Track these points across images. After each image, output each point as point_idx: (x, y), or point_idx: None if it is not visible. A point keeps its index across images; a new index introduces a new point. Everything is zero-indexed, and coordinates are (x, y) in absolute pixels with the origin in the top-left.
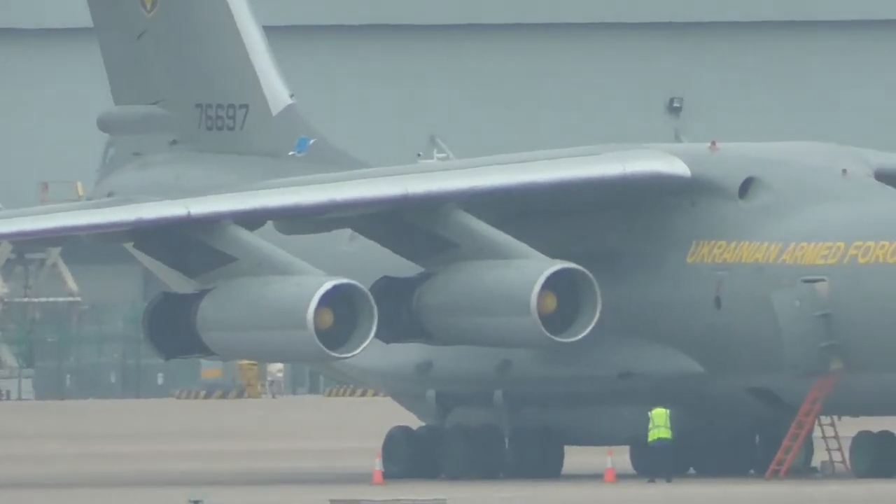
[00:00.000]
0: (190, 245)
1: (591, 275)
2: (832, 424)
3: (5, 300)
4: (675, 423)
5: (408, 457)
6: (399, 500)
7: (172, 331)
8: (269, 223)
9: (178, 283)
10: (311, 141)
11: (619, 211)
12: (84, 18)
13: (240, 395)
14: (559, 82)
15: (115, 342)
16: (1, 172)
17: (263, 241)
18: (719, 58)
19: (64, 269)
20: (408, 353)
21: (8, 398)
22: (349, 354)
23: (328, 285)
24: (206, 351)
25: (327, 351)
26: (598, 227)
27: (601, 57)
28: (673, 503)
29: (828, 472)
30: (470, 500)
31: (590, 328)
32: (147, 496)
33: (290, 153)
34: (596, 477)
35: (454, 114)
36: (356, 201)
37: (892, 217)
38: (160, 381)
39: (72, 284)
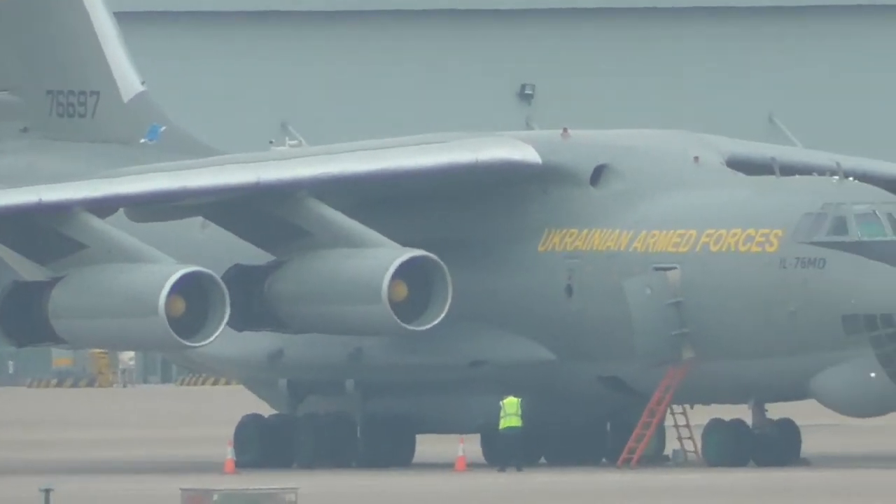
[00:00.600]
0: (41, 233)
1: (442, 263)
2: (684, 413)
3: None
4: (526, 411)
5: (260, 445)
6: (251, 488)
7: (24, 319)
8: (121, 211)
9: (30, 271)
10: (163, 128)
11: (471, 199)
12: None
13: (91, 383)
14: (410, 69)
15: None
16: None
17: (114, 229)
18: (571, 44)
19: None
20: (260, 342)
21: None
22: (201, 343)
23: (179, 273)
24: (57, 339)
25: (179, 339)
26: (450, 215)
27: (452, 44)
28: (524, 492)
29: (679, 461)
30: (322, 489)
31: (441, 316)
32: None
33: (142, 140)
34: (447, 465)
35: (306, 101)
36: (208, 189)
37: (744, 205)
38: (11, 369)
39: None
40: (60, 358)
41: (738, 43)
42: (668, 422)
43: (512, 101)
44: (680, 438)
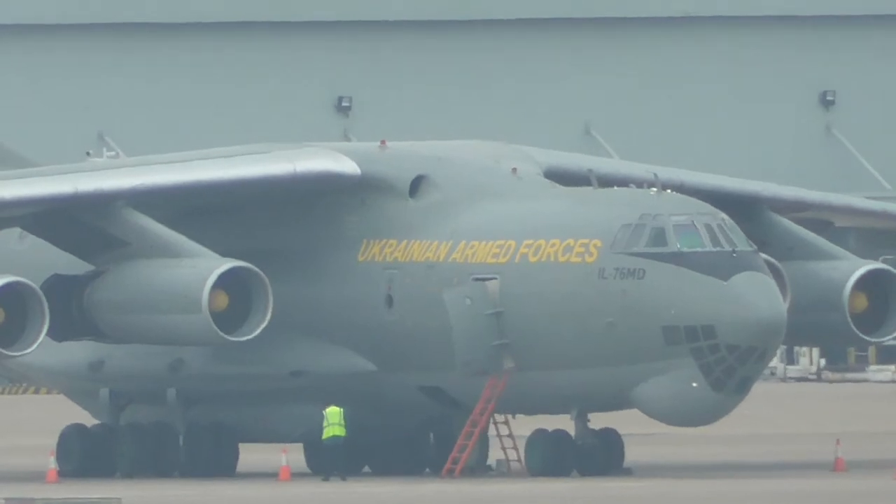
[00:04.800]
0: None
1: (262, 273)
2: (506, 422)
3: None
4: (349, 421)
5: (82, 455)
6: (74, 498)
7: None
8: None
9: None
10: None
11: (291, 209)
12: None
13: None
14: (229, 81)
15: None
16: None
17: None
18: (387, 57)
19: None
20: (80, 351)
21: None
22: (21, 353)
23: None
24: None
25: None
26: (270, 225)
27: (270, 55)
28: (348, 501)
29: (503, 471)
30: (144, 499)
31: (262, 327)
32: None
33: None
34: (272, 475)
35: (123, 112)
36: (24, 200)
37: (563, 215)
38: None
39: None
40: None
41: (554, 54)
42: (492, 432)
43: (329, 114)
44: (503, 448)
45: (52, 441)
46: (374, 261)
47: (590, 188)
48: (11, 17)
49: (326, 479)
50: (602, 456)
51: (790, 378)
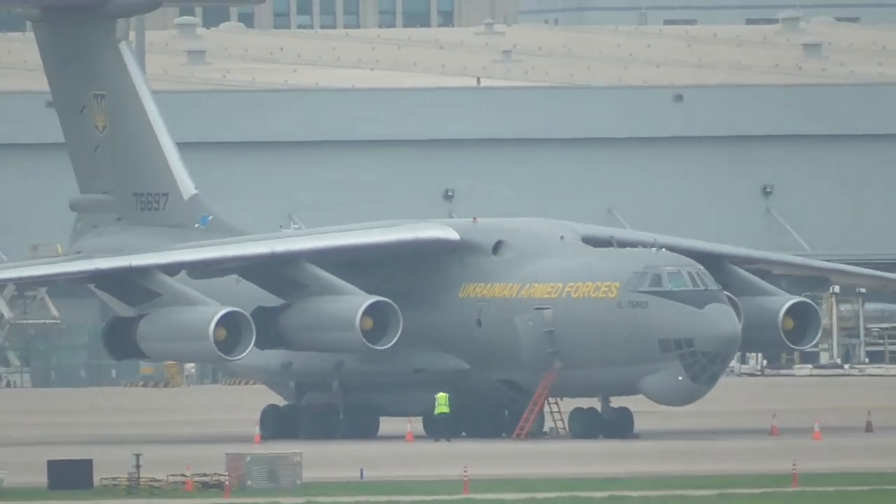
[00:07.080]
0: (130, 285)
1: (395, 304)
2: (556, 403)
3: (11, 322)
4: (452, 402)
5: (276, 425)
6: (271, 453)
7: (121, 341)
8: (184, 272)
9: (123, 310)
10: (210, 217)
11: (413, 263)
12: (61, 137)
13: (166, 384)
14: (371, 179)
15: (82, 349)
16: (4, 237)
17: (179, 283)
18: (478, 163)
19: (48, 300)
20: (276, 357)
21: (13, 387)
22: (237, 358)
23: (222, 312)
24: (142, 355)
25: (223, 356)
26: (400, 274)
27: (399, 161)
28: (450, 455)
29: (554, 435)
30: (318, 454)
31: (395, 339)
32: (99, 452)
33: (196, 226)
34: (400, 437)
35: (304, 200)
36: (240, 257)
37: (594, 266)
38: (114, 374)
39: (53, 311)
40: (146, 367)
41: (589, 161)
42: (546, 409)
43: (439, 200)
44: (554, 420)
45: (257, 415)
46: (469, 297)
47: (612, 248)
48: (231, 136)
49: (437, 440)
50: (619, 425)
51: (743, 373)
